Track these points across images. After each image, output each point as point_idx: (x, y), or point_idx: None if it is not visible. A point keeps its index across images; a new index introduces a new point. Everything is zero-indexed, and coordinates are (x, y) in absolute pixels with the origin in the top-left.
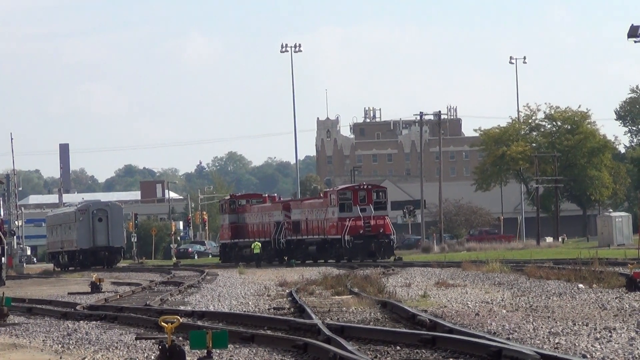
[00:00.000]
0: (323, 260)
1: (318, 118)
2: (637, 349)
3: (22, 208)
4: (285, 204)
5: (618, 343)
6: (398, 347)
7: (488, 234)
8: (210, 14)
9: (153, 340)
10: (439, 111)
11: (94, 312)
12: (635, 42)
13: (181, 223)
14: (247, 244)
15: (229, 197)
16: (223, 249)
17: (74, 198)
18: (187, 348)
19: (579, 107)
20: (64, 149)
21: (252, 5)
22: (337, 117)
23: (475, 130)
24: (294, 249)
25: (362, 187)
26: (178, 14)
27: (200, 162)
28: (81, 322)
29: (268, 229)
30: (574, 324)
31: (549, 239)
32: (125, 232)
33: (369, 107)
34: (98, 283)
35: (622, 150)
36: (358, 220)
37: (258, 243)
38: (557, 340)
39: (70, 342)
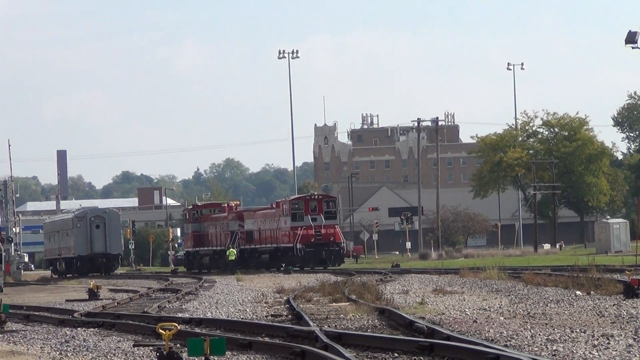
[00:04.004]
0: (275, 269)
1: (315, 124)
2: (635, 356)
3: (20, 215)
4: (239, 214)
5: (616, 350)
6: (396, 354)
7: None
8: (205, 22)
9: (151, 348)
10: (437, 118)
11: (91, 319)
12: (632, 48)
13: (179, 230)
14: (207, 253)
15: (191, 206)
16: (187, 257)
17: (72, 205)
18: (185, 355)
19: (577, 113)
20: (62, 156)
21: (246, 14)
22: (335, 124)
23: (472, 138)
24: (248, 258)
25: (313, 197)
26: (174, 22)
27: (198, 169)
28: (79, 329)
29: (224, 238)
30: (572, 331)
31: (547, 246)
32: (122, 238)
33: (366, 114)
34: (96, 290)
35: (620, 157)
36: (309, 229)
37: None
38: (554, 348)
39: (68, 349)
